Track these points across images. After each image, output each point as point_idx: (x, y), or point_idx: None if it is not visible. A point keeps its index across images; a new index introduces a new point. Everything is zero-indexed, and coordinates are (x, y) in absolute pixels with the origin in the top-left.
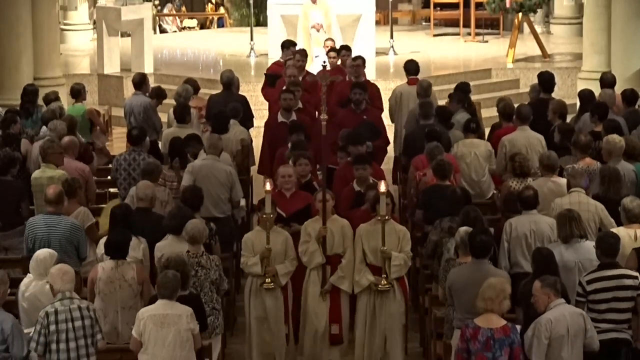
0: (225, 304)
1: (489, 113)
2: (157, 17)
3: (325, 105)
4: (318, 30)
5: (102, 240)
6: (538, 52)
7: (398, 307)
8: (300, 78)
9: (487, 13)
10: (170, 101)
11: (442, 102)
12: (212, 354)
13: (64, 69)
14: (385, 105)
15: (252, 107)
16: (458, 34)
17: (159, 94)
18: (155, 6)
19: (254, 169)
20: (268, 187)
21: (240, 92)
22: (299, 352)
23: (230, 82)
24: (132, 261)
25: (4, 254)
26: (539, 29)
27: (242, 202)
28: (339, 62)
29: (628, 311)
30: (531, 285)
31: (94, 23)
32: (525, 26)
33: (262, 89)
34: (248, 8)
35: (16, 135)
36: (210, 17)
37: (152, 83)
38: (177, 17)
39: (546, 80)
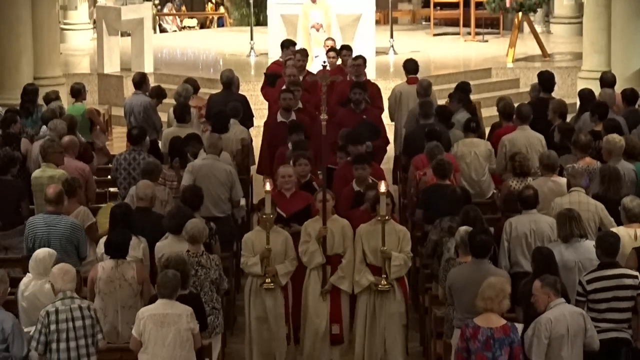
0: (225, 304)
1: (489, 112)
2: (157, 17)
3: (325, 105)
4: (318, 30)
5: (102, 240)
6: (538, 51)
7: (398, 307)
8: (301, 78)
9: (487, 12)
10: (170, 101)
11: (441, 102)
12: (212, 354)
13: (64, 69)
14: (385, 104)
15: (252, 106)
16: (458, 34)
17: (158, 94)
18: (155, 6)
19: (253, 169)
20: (268, 187)
21: (240, 92)
22: (299, 352)
23: (230, 82)
24: (132, 261)
25: (4, 254)
26: (539, 28)
27: (242, 202)
28: (338, 62)
29: (628, 311)
30: (531, 284)
31: (94, 22)
32: (525, 26)
33: (262, 89)
34: (248, 7)
35: (16, 134)
36: (210, 17)
37: (152, 82)
38: (177, 17)
39: (546, 80)
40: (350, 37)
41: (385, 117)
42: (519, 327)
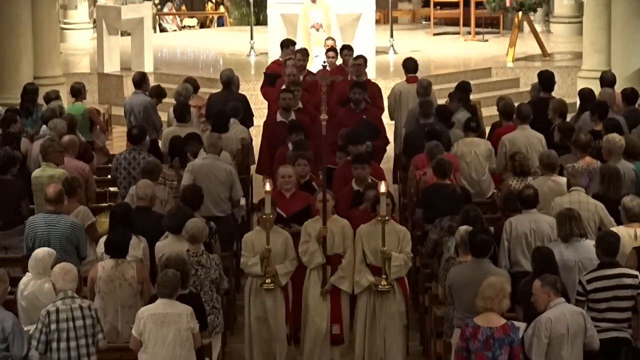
0: (225, 303)
1: (489, 112)
2: (157, 16)
3: (325, 105)
4: (318, 30)
5: (102, 239)
6: (538, 51)
7: (398, 308)
8: (301, 78)
9: (487, 12)
10: (170, 100)
11: (441, 102)
12: (212, 353)
13: (64, 68)
14: (385, 103)
15: (252, 106)
16: (458, 33)
17: (158, 93)
18: (155, 5)
19: (253, 168)
20: (268, 187)
21: (240, 91)
22: (299, 353)
23: (230, 81)
24: (132, 260)
25: (4, 253)
26: (539, 27)
27: (242, 201)
28: (337, 62)
29: (628, 310)
30: (531, 284)
31: (94, 22)
32: (525, 25)
33: (262, 88)
34: (248, 7)
35: (16, 134)
36: (210, 16)
37: (152, 82)
38: (177, 16)
39: (546, 79)
40: (350, 37)
41: (385, 116)
42: (522, 326)
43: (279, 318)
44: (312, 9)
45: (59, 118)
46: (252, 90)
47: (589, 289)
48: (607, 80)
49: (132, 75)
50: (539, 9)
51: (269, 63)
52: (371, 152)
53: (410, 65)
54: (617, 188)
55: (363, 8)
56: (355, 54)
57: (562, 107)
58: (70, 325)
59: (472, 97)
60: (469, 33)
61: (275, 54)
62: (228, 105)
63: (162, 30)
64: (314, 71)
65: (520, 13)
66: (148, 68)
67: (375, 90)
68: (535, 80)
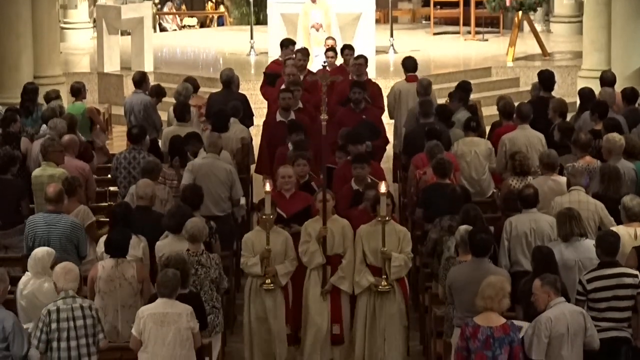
0: (225, 303)
1: (489, 111)
2: (157, 16)
3: (325, 105)
4: (318, 30)
5: (102, 239)
6: (538, 50)
7: (398, 308)
8: (301, 77)
9: (487, 11)
10: (170, 100)
11: (441, 101)
12: (212, 353)
13: (64, 68)
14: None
15: (252, 105)
16: (458, 33)
17: (158, 92)
18: (155, 5)
19: (253, 168)
20: (268, 187)
21: (240, 91)
22: (299, 353)
23: (229, 81)
24: (132, 260)
25: (3, 253)
26: (539, 27)
27: (242, 201)
28: (338, 62)
29: (628, 310)
30: (531, 283)
31: (94, 21)
32: (525, 24)
33: (261, 88)
34: (248, 6)
35: (16, 133)
36: (210, 16)
37: (152, 81)
38: (177, 16)
39: (546, 79)
40: (350, 36)
41: (385, 116)
42: (525, 325)
43: (279, 318)
44: (312, 9)
45: (59, 117)
46: (252, 90)
47: (589, 288)
48: (607, 79)
49: (132, 74)
50: (539, 9)
51: (268, 63)
52: (371, 151)
53: (409, 64)
54: (617, 187)
55: (363, 7)
56: (355, 54)
57: (562, 107)
58: (71, 325)
59: (472, 96)
60: (469, 32)
61: (275, 53)
62: (228, 104)
63: (162, 29)
64: (314, 71)
65: (520, 12)
66: (148, 67)
67: (376, 89)
68: (535, 79)
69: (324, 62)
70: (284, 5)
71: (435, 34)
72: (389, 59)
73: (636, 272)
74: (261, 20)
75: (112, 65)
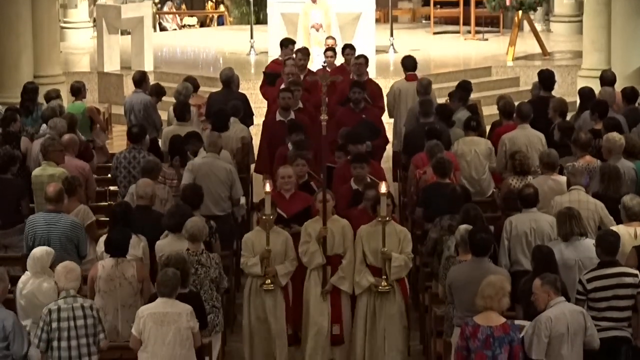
0: (225, 302)
1: (489, 111)
2: (157, 15)
3: (325, 105)
4: (318, 30)
5: (102, 238)
6: (538, 50)
7: (398, 309)
8: (302, 77)
9: (487, 11)
10: (170, 99)
11: (441, 101)
12: (212, 352)
13: (64, 67)
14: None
15: (252, 105)
16: (458, 32)
17: (158, 91)
18: (155, 4)
19: (254, 167)
20: (268, 188)
21: (240, 90)
22: (299, 353)
23: (229, 80)
24: (132, 259)
25: (3, 252)
26: (539, 26)
27: (242, 200)
28: (336, 62)
29: (628, 309)
30: (531, 283)
31: (94, 21)
32: (525, 24)
33: (261, 88)
34: (248, 6)
35: (16, 133)
36: (210, 15)
37: (152, 81)
38: (177, 15)
39: (546, 78)
40: (350, 36)
41: (385, 115)
42: (526, 324)
43: (279, 318)
44: (312, 9)
45: (59, 117)
46: (252, 89)
47: (589, 288)
48: (607, 79)
49: (132, 74)
50: (539, 8)
51: (268, 62)
52: (370, 151)
53: (408, 63)
54: (617, 187)
55: (363, 7)
56: (356, 54)
57: (563, 106)
58: (72, 325)
59: (472, 96)
60: (469, 32)
61: (275, 53)
62: (229, 104)
63: (162, 29)
64: (314, 71)
65: (520, 12)
66: (148, 67)
67: (376, 89)
68: (536, 79)
69: (324, 62)
70: (284, 4)
71: (435, 33)
72: (389, 58)
73: (636, 272)
74: (261, 19)
75: (112, 65)
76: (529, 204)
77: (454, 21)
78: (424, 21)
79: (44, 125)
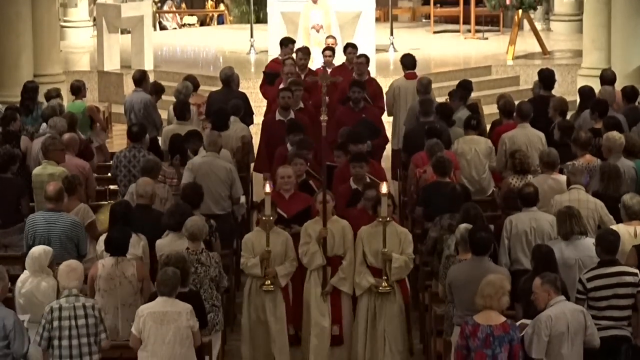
0: (225, 301)
1: (488, 110)
2: (157, 14)
3: (325, 106)
4: (318, 31)
5: (102, 237)
6: (538, 49)
7: (398, 310)
8: (303, 76)
9: (487, 10)
10: (169, 98)
11: (441, 100)
12: (212, 351)
13: (64, 66)
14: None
15: (252, 104)
16: (458, 31)
17: (157, 90)
18: (155, 3)
19: (253, 166)
20: (268, 189)
21: (240, 89)
22: (299, 353)
23: (229, 79)
24: (132, 258)
25: (3, 251)
26: (539, 25)
27: (242, 199)
28: (335, 61)
29: (628, 308)
30: (531, 282)
31: (94, 20)
32: (525, 23)
33: (261, 87)
34: (248, 5)
35: (16, 132)
36: (210, 14)
37: (152, 80)
38: (177, 14)
39: (546, 78)
40: (350, 35)
41: (385, 115)
42: (528, 323)
43: (280, 319)
44: (312, 10)
45: (59, 116)
46: (252, 88)
47: (589, 287)
48: (607, 78)
49: (132, 73)
50: (539, 7)
51: (268, 61)
52: (370, 151)
53: (408, 62)
54: (616, 186)
55: (363, 6)
56: (358, 53)
57: (563, 105)
58: (73, 324)
59: (472, 95)
60: (469, 31)
61: (275, 52)
62: (229, 103)
63: (162, 28)
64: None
65: (520, 11)
66: (148, 66)
67: (377, 89)
68: (536, 78)
69: (323, 63)
70: (284, 3)
71: (435, 32)
72: (389, 57)
73: (636, 271)
74: (261, 18)
75: (112, 64)
76: (529, 203)
77: (454, 20)
78: (424, 20)
79: (44, 125)
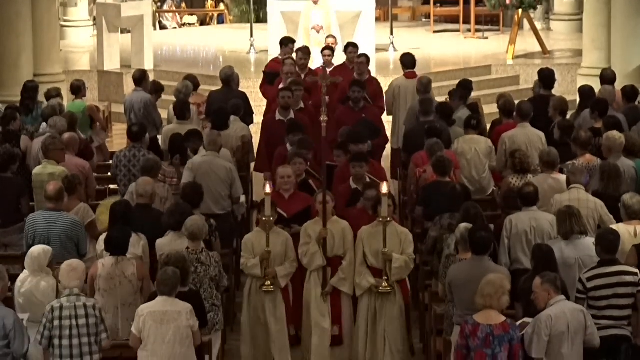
0: (225, 301)
1: (489, 109)
2: (157, 14)
3: (325, 106)
4: (318, 32)
5: (102, 237)
6: (538, 48)
7: (399, 310)
8: (303, 76)
9: (487, 9)
10: (170, 98)
11: (441, 99)
12: (212, 351)
13: (64, 66)
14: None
15: (252, 103)
16: (458, 31)
17: (157, 89)
18: (155, 2)
19: (254, 165)
20: (268, 189)
21: (240, 89)
22: (300, 353)
23: (229, 79)
24: (132, 257)
25: (3, 251)
26: (539, 25)
27: (242, 199)
28: (334, 60)
29: (628, 308)
30: (531, 281)
31: (94, 19)
32: (525, 22)
33: (261, 87)
34: (248, 4)
35: (16, 131)
36: (210, 14)
37: (152, 79)
38: (177, 14)
39: (546, 77)
40: (351, 34)
41: (385, 114)
42: (530, 321)
43: (279, 319)
44: (312, 10)
45: (59, 116)
46: (252, 88)
47: (589, 286)
48: (607, 77)
49: (132, 72)
50: (539, 7)
51: (268, 61)
52: (370, 150)
53: (407, 61)
54: (616, 185)
55: (363, 5)
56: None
57: (563, 105)
58: (73, 323)
59: (472, 94)
60: (469, 30)
61: (275, 51)
62: (229, 102)
63: (162, 27)
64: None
65: (520, 10)
66: (148, 65)
67: (377, 88)
68: (536, 77)
69: (323, 63)
70: (284, 3)
71: (435, 31)
72: (389, 57)
73: (636, 270)
74: (261, 18)
75: (112, 63)
76: (529, 203)
77: (454, 20)
78: (424, 20)
79: (44, 124)
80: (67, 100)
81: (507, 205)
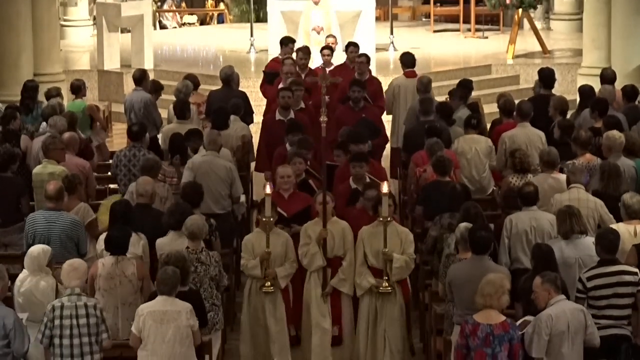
0: (225, 300)
1: (489, 109)
2: (157, 13)
3: (325, 106)
4: (319, 33)
5: (102, 236)
6: (538, 48)
7: (399, 310)
8: (303, 76)
9: (487, 9)
10: (170, 97)
11: (441, 99)
12: (212, 350)
13: (64, 65)
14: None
15: (252, 103)
16: (458, 30)
17: (156, 88)
18: (155, 2)
19: (254, 165)
20: (268, 190)
21: (240, 88)
22: (300, 353)
23: (229, 78)
24: (132, 257)
25: (3, 250)
26: (539, 24)
27: (242, 198)
28: (333, 60)
29: (628, 307)
30: (531, 281)
31: (94, 19)
32: (525, 22)
33: (261, 87)
34: (248, 4)
35: (16, 131)
36: (210, 13)
37: (152, 79)
38: (177, 13)
39: (546, 77)
40: (350, 34)
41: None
42: (531, 320)
43: (279, 320)
44: (313, 10)
45: (59, 115)
46: (252, 87)
47: (589, 286)
48: (607, 77)
49: (132, 72)
50: (539, 6)
51: (268, 60)
52: (370, 150)
53: (407, 60)
54: (616, 185)
55: (363, 5)
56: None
57: (563, 105)
58: (74, 323)
59: (472, 94)
60: (469, 30)
61: (275, 51)
62: (229, 102)
63: (162, 27)
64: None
65: (520, 10)
66: (148, 65)
67: (377, 88)
68: (536, 77)
69: (322, 64)
70: (284, 2)
71: (435, 31)
72: (389, 56)
73: (636, 270)
74: (261, 17)
75: (112, 63)
76: (529, 202)
77: (454, 19)
78: (424, 19)
79: (44, 124)
80: (67, 99)
81: (507, 205)
